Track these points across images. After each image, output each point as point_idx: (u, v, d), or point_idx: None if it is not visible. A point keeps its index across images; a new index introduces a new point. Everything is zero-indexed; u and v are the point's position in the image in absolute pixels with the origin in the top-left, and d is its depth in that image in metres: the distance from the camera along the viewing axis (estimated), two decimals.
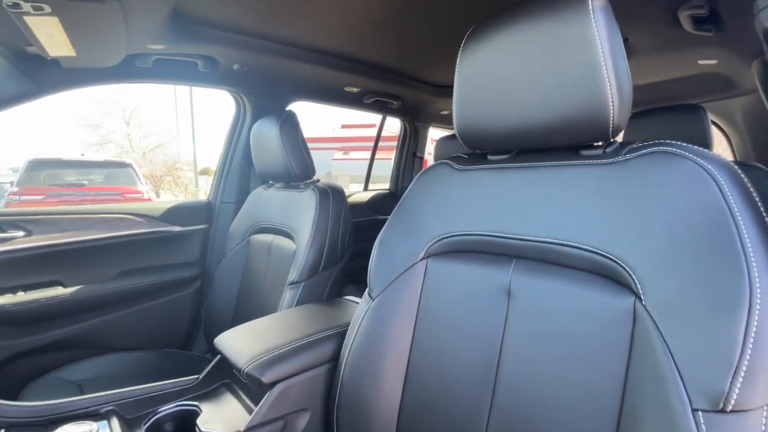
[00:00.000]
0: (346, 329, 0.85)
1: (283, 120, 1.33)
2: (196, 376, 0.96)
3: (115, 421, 0.80)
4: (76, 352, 1.41)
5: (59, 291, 1.41)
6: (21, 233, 1.36)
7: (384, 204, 2.43)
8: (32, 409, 0.77)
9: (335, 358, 0.86)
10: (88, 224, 1.52)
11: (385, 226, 0.77)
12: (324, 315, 1.03)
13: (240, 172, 1.82)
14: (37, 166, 6.41)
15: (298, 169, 1.33)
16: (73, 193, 6.30)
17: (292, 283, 1.17)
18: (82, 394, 1.17)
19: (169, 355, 1.48)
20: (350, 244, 1.32)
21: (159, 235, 1.63)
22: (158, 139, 16.61)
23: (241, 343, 0.89)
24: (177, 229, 1.68)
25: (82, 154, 7.75)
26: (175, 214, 1.69)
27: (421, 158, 2.48)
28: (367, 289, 0.79)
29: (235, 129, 1.84)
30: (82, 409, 0.81)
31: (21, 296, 1.34)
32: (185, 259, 1.70)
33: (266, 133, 1.36)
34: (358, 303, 1.07)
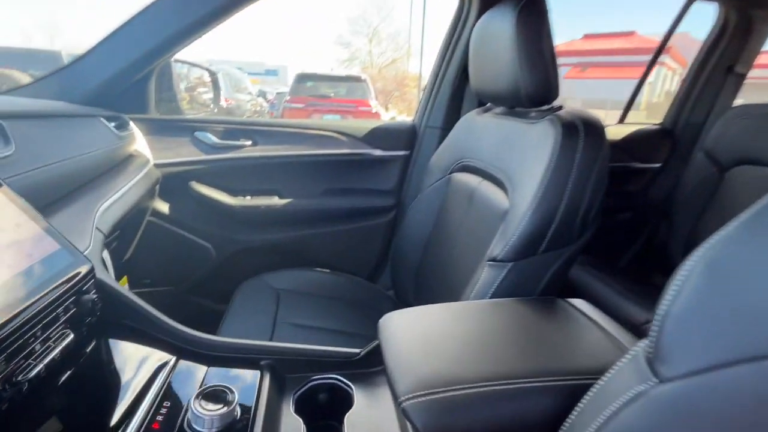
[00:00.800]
0: (580, 380, 0.47)
1: (524, 5, 0.84)
2: (358, 350, 0.77)
3: (267, 379, 0.69)
4: (279, 259, 1.51)
5: (275, 200, 1.49)
6: (248, 142, 1.44)
7: (649, 146, 1.66)
8: (202, 340, 0.73)
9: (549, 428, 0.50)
10: (301, 139, 1.51)
11: None
12: (542, 334, 0.65)
13: (452, 91, 1.46)
14: (302, 78, 7.86)
15: (533, 87, 0.85)
16: (322, 103, 7.47)
17: (493, 260, 0.80)
18: (278, 303, 1.22)
19: (356, 284, 1.42)
20: (598, 215, 0.82)
21: (359, 157, 1.50)
22: (392, 55, 17.75)
23: (408, 346, 0.61)
24: (377, 153, 1.52)
25: (332, 69, 8.99)
26: (377, 136, 1.52)
27: (743, 76, 1.50)
28: None
29: (453, 32, 1.44)
30: (243, 355, 0.73)
31: (248, 200, 1.47)
32: (382, 187, 1.55)
33: (494, 29, 0.92)
34: (594, 320, 0.64)
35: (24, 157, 0.70)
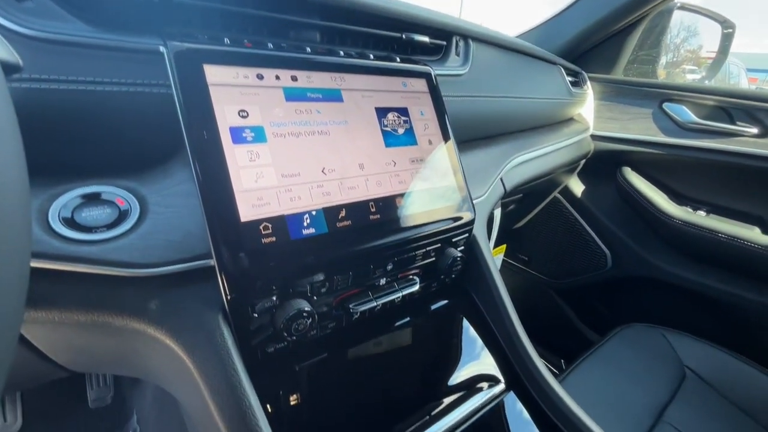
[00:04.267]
0: None
1: None
2: None
3: None
4: (697, 313, 0.94)
5: (750, 233, 0.90)
6: (753, 129, 0.88)
7: None
8: (542, 379, 0.48)
9: None
10: None
11: None
12: None
13: None
14: None
15: None
16: None
17: None
18: (675, 391, 0.76)
19: None
20: None
21: None
22: None
23: None
24: None
25: None
26: None
27: None
28: None
29: None
30: None
31: (697, 216, 0.97)
32: None
33: None
34: None
35: (474, 80, 0.63)
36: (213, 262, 0.32)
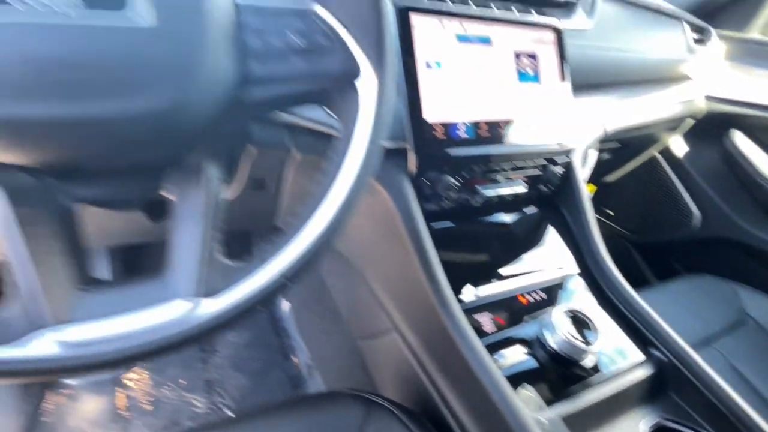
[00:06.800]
0: None
1: None
2: None
3: None
4: None
5: None
6: None
7: None
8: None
9: None
10: None
11: None
12: None
13: None
14: None
15: None
16: None
17: None
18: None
19: None
20: None
21: None
22: None
23: None
24: None
25: None
26: None
27: None
28: None
29: None
30: None
31: None
32: None
33: None
34: None
35: (597, 34, 0.74)
36: (407, 145, 0.52)
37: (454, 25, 0.55)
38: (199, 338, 0.29)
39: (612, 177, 1.27)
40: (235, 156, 0.48)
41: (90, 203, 0.32)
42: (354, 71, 0.32)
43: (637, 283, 0.65)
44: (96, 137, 0.27)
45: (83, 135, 0.26)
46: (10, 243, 0.27)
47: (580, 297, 0.63)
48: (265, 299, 0.31)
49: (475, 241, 0.65)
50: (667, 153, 1.18)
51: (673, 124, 1.03)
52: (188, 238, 0.31)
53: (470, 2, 0.58)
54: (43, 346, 0.26)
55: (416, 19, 0.52)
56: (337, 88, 0.33)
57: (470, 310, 0.55)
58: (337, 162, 0.32)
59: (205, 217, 0.31)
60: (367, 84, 0.32)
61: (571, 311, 0.51)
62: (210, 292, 0.30)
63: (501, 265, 0.63)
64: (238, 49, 0.30)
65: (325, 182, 0.32)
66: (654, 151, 1.17)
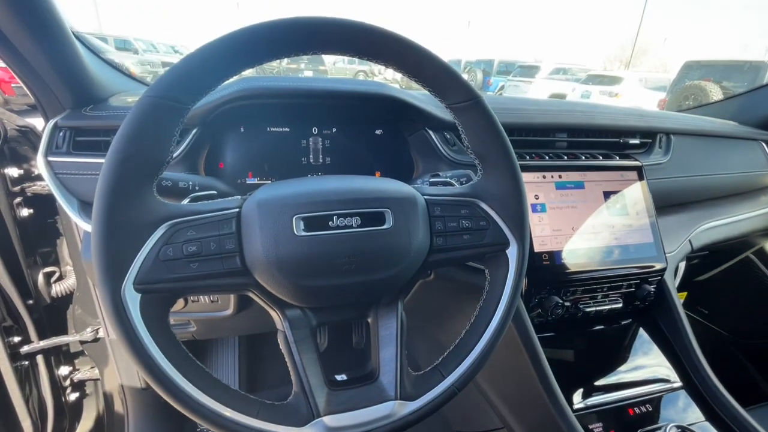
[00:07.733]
0: None
1: None
2: None
3: None
4: None
5: None
6: None
7: None
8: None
9: None
10: None
11: None
12: None
13: None
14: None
15: None
16: None
17: None
18: None
19: None
20: None
21: None
22: None
23: None
24: None
25: None
26: None
27: None
28: None
29: None
30: None
31: None
32: None
33: None
34: None
35: (674, 165, 0.85)
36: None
37: (552, 176, 0.71)
38: (403, 429, 0.43)
39: (703, 277, 1.27)
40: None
41: (325, 324, 0.49)
42: (504, 244, 0.47)
43: (749, 394, 0.66)
44: (355, 293, 0.44)
45: (349, 292, 0.43)
46: (289, 355, 0.43)
47: (687, 411, 0.67)
48: (443, 404, 0.44)
49: (575, 350, 0.73)
50: (764, 254, 1.17)
51: (764, 231, 1.05)
52: (388, 354, 0.46)
53: (564, 156, 0.74)
54: (314, 430, 0.41)
55: (524, 176, 0.69)
56: (492, 255, 0.48)
57: (581, 416, 0.62)
58: (494, 305, 0.46)
59: (399, 339, 0.46)
60: (513, 251, 0.48)
61: (680, 428, 0.57)
62: (405, 396, 0.44)
63: (602, 374, 0.70)
64: (429, 231, 0.46)
65: (483, 318, 0.46)
66: (749, 253, 1.17)
